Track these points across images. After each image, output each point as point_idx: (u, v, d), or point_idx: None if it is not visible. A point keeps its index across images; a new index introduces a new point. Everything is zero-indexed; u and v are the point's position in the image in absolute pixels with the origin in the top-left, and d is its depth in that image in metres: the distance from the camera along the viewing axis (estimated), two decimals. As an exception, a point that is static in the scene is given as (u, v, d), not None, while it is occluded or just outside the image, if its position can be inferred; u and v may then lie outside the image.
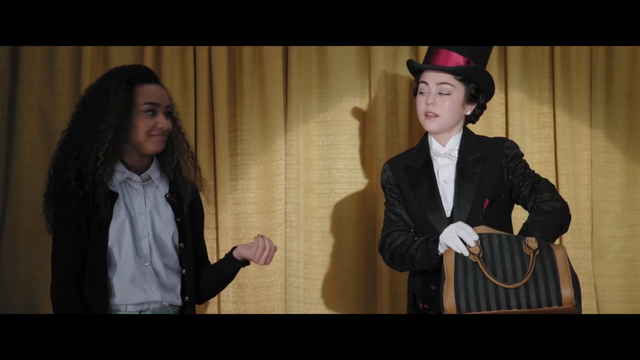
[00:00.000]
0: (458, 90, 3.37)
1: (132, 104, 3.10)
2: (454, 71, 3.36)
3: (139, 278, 3.08)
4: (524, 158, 3.40)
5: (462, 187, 3.32)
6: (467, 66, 3.36)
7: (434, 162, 3.40)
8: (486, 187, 3.32)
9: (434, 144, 3.41)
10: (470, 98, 3.39)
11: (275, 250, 3.24)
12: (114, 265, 3.06)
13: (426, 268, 3.26)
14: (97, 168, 3.06)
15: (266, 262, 3.22)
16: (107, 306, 3.04)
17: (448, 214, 3.33)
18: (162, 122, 3.15)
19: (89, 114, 3.08)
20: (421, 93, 3.40)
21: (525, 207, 3.32)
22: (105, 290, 3.03)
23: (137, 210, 3.11)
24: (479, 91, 3.40)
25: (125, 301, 3.07)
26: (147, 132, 3.13)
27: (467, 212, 3.30)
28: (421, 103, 3.39)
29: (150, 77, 3.18)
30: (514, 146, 3.40)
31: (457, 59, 3.36)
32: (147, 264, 3.10)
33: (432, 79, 3.37)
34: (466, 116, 3.43)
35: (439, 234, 3.18)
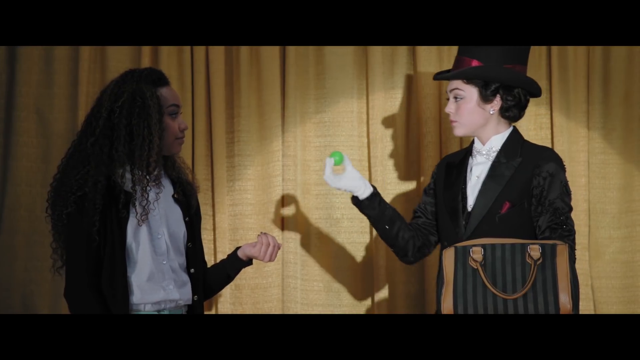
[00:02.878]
0: (468, 92, 3.39)
1: (162, 106, 3.11)
2: (453, 76, 3.40)
3: (157, 276, 3.10)
4: (564, 177, 3.34)
5: (487, 186, 3.34)
6: (467, 68, 3.37)
7: (471, 159, 3.43)
8: (511, 190, 3.32)
9: (476, 142, 3.45)
10: (485, 97, 3.39)
11: (279, 248, 3.27)
12: (133, 262, 3.08)
13: (375, 224, 3.51)
14: (149, 172, 3.08)
15: (271, 259, 3.27)
16: (128, 304, 3.05)
17: (470, 208, 3.36)
18: (183, 123, 3.20)
19: (128, 119, 3.06)
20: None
21: (535, 233, 3.33)
22: (125, 287, 3.05)
23: (151, 209, 3.11)
24: (498, 88, 3.38)
25: (144, 300, 3.08)
26: (174, 134, 3.15)
27: (485, 210, 3.32)
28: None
29: (166, 79, 3.22)
30: (554, 159, 3.36)
31: (463, 63, 3.38)
32: (164, 262, 3.11)
33: (448, 88, 3.45)
34: (505, 115, 3.41)
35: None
